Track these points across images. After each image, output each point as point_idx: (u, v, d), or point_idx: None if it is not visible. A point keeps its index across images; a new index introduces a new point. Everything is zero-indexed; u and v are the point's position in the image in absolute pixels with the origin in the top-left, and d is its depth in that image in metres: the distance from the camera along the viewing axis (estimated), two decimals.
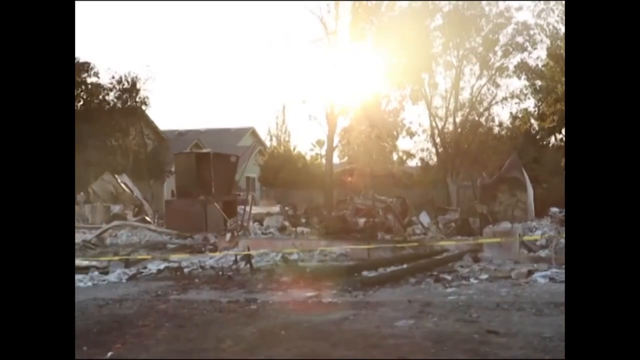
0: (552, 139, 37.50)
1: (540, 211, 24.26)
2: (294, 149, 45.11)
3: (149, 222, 24.12)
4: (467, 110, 37.75)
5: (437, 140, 38.15)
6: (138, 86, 37.35)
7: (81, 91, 36.24)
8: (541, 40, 36.40)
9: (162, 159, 39.34)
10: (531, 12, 37.16)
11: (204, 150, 30.14)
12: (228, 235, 18.15)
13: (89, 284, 11.76)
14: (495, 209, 22.69)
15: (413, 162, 41.13)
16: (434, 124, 37.95)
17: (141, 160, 38.00)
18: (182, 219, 21.67)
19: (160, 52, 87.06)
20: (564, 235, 12.05)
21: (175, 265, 13.66)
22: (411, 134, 39.00)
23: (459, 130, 37.42)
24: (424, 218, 21.92)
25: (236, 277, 12.05)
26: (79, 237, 19.98)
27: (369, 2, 35.10)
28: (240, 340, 6.80)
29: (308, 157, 43.02)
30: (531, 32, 36.29)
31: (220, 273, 12.62)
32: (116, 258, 14.60)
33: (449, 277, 11.14)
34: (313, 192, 34.57)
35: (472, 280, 10.92)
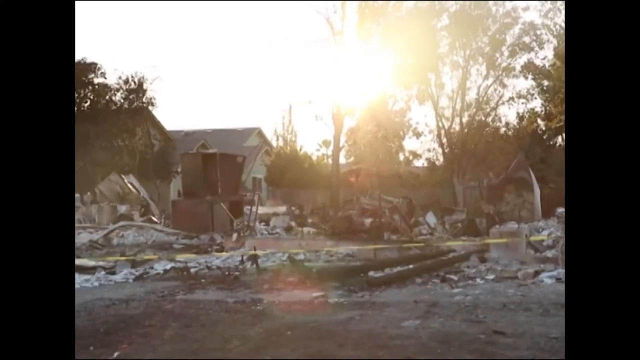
0: (559, 139, 37.38)
1: (547, 211, 24.20)
2: (301, 149, 45.16)
3: (155, 223, 24.14)
4: (474, 110, 37.70)
5: (444, 140, 38.11)
6: (145, 86, 37.44)
7: (88, 92, 36.35)
8: (548, 40, 36.38)
9: (168, 159, 39.41)
10: (538, 12, 37.23)
11: (211, 151, 30.16)
12: (234, 236, 18.15)
13: (96, 284, 11.78)
14: (502, 209, 22.67)
15: (419, 163, 41.14)
16: (440, 124, 37.93)
17: (148, 160, 38.07)
18: (189, 219, 21.69)
19: (167, 52, 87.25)
20: None
21: (182, 265, 13.67)
22: (418, 134, 39.00)
23: (466, 130, 37.37)
24: (431, 218, 21.91)
25: (242, 277, 12.05)
26: (85, 237, 20.04)
27: (375, 2, 35.07)
28: (246, 341, 6.81)
29: (314, 157, 43.04)
30: (538, 32, 36.23)
31: (227, 273, 12.63)
32: (123, 258, 14.62)
33: (455, 278, 11.12)
34: (319, 192, 34.56)
35: (478, 280, 10.90)
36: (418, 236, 18.53)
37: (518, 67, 37.19)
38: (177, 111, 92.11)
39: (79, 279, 11.81)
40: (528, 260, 12.67)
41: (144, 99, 37.61)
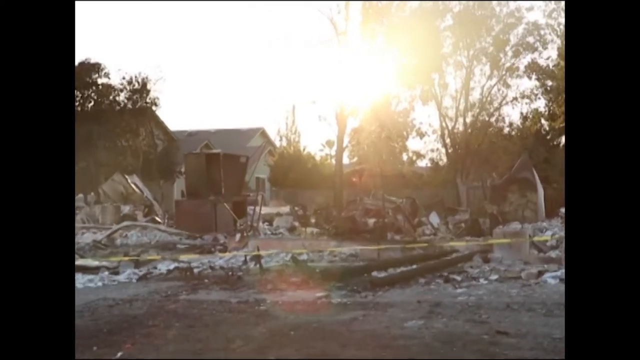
0: (563, 140, 37.32)
1: (550, 211, 24.22)
2: (304, 149, 45.20)
3: (159, 223, 24.18)
4: (478, 110, 37.69)
5: (447, 140, 38.12)
6: (148, 87, 37.52)
7: (92, 92, 36.44)
8: (552, 40, 36.33)
9: (172, 159, 39.47)
10: (542, 12, 37.18)
11: (214, 151, 30.18)
12: (238, 236, 18.16)
13: (99, 284, 11.79)
14: (506, 210, 22.69)
15: (423, 163, 41.19)
16: (444, 125, 37.93)
17: (151, 160, 38.14)
18: (192, 219, 21.71)
19: (170, 52, 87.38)
20: None
21: (185, 265, 13.67)
22: (421, 135, 39.01)
23: (469, 130, 37.36)
24: (434, 218, 21.90)
25: (246, 278, 12.05)
26: (89, 238, 20.09)
27: (379, 2, 35.07)
28: (249, 341, 6.81)
29: (318, 158, 43.11)
30: (542, 32, 36.19)
31: (230, 273, 12.63)
32: (126, 258, 14.63)
33: (458, 278, 11.10)
34: (323, 192, 34.58)
35: (481, 280, 10.88)
36: (421, 236, 18.52)
37: (522, 67, 37.21)
38: (180, 111, 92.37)
39: (83, 279, 11.82)
40: (531, 261, 12.64)
41: (147, 99, 37.68)
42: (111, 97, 37.06)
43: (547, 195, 25.14)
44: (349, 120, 35.80)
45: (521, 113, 39.05)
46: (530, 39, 36.34)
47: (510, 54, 36.75)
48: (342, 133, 34.89)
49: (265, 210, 23.94)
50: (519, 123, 39.06)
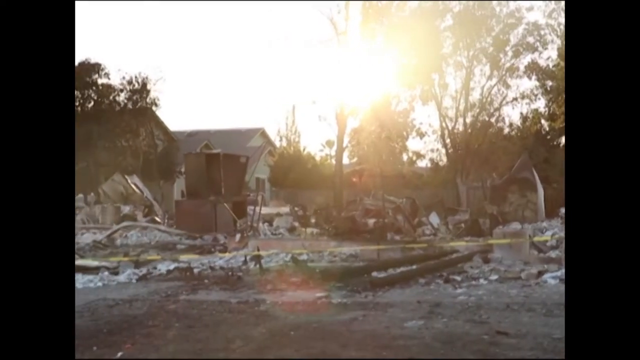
0: (563, 140, 37.33)
1: (550, 212, 24.23)
2: (304, 149, 45.21)
3: (158, 223, 24.19)
4: (477, 110, 37.69)
5: (447, 140, 38.12)
6: (148, 87, 37.54)
7: (92, 92, 36.46)
8: (552, 41, 36.33)
9: (172, 159, 39.48)
10: (542, 12, 37.13)
11: (214, 151, 30.18)
12: (238, 236, 18.15)
13: (99, 284, 11.78)
14: (506, 210, 22.70)
15: (423, 163, 41.19)
16: (444, 125, 37.93)
17: (151, 160, 38.15)
18: (192, 219, 21.71)
19: (170, 53, 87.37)
20: None
21: (185, 265, 13.67)
22: (421, 135, 39.01)
23: (469, 130, 37.36)
24: (434, 219, 21.91)
25: (246, 278, 12.05)
26: (89, 238, 20.09)
27: (379, 2, 35.08)
28: (249, 341, 6.81)
29: (318, 158, 43.11)
30: (542, 32, 36.19)
31: (230, 273, 12.62)
32: (126, 258, 14.62)
33: (458, 278, 11.10)
34: (323, 192, 34.59)
35: (481, 281, 10.88)
36: (421, 236, 18.52)
37: (522, 68, 37.21)
38: (180, 112, 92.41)
39: (83, 279, 11.82)
40: (531, 261, 12.64)
41: (147, 100, 37.70)
42: (111, 97, 37.09)
43: (547, 195, 25.16)
44: (349, 121, 35.85)
45: (521, 113, 39.13)
46: (530, 39, 36.34)
47: (510, 54, 36.76)
48: (342, 133, 34.90)
49: (265, 210, 23.92)
50: (519, 123, 39.11)
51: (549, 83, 37.10)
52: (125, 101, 37.46)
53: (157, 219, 25.52)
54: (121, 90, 37.41)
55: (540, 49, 36.51)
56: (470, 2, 35.91)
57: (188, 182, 24.98)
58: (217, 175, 23.31)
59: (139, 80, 37.33)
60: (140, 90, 37.39)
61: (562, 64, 34.41)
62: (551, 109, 37.83)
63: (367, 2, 34.49)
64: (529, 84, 38.12)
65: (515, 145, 35.57)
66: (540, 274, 11.14)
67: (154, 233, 21.05)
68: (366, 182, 32.25)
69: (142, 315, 8.49)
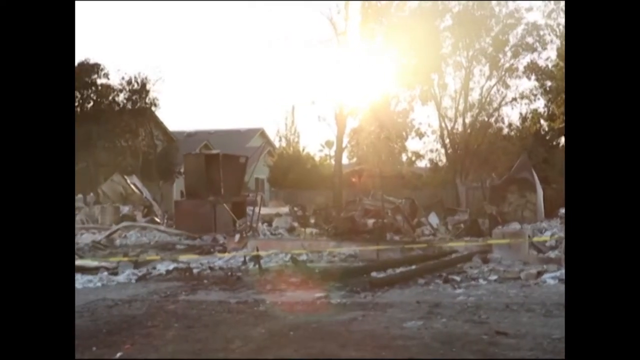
0: (562, 140, 37.34)
1: (549, 212, 24.22)
2: (303, 149, 45.19)
3: (158, 223, 24.18)
4: (477, 111, 37.66)
5: (447, 141, 38.08)
6: (148, 87, 37.50)
7: (91, 92, 36.44)
8: (551, 41, 36.28)
9: (171, 159, 39.45)
10: (541, 12, 37.04)
11: (213, 151, 30.17)
12: (237, 236, 18.16)
13: (99, 284, 11.78)
14: (505, 210, 22.68)
15: (422, 163, 41.13)
16: (443, 125, 37.89)
17: (151, 161, 38.13)
18: (191, 219, 21.71)
19: (169, 53, 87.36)
20: None
21: (184, 266, 13.68)
22: (420, 135, 38.95)
23: (469, 131, 37.33)
24: (433, 219, 21.90)
25: (245, 278, 12.05)
26: (88, 238, 20.08)
27: (378, 2, 35.06)
28: (249, 341, 6.81)
29: (317, 158, 43.10)
30: (541, 33, 36.14)
31: (229, 274, 12.63)
32: (125, 259, 14.62)
33: (458, 278, 11.11)
34: (322, 193, 34.58)
35: (481, 281, 10.89)
36: (421, 237, 18.53)
37: (521, 68, 37.13)
38: (180, 112, 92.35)
39: (82, 279, 11.82)
40: (531, 261, 12.65)
41: (147, 100, 37.67)
42: (110, 98, 37.05)
43: (546, 195, 25.15)
44: (348, 121, 35.80)
45: (520, 113, 39.07)
46: (530, 40, 36.29)
47: (509, 54, 36.71)
48: (341, 133, 34.88)
49: (264, 210, 23.92)
50: (518, 123, 39.07)
51: (548, 83, 37.06)
52: (125, 101, 37.43)
53: (156, 219, 25.51)
54: (120, 91, 37.38)
55: (539, 49, 36.49)
56: (470, 2, 35.88)
57: (187, 182, 24.98)
58: (217, 176, 23.30)
59: (139, 81, 37.31)
60: (139, 91, 37.36)
61: (561, 64, 34.40)
62: (550, 109, 37.80)
63: (366, 2, 34.48)
64: (528, 84, 38.10)
65: (514, 145, 35.55)
66: (539, 274, 11.15)
67: (153, 233, 21.05)
68: (365, 183, 32.23)
69: (141, 316, 8.49)
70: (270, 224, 22.22)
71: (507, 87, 37.74)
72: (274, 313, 8.50)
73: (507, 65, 37.02)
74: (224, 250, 16.54)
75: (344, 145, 36.19)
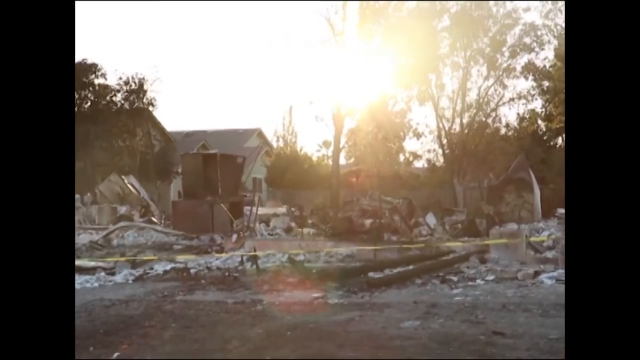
0: (560, 140, 37.38)
1: (547, 212, 24.25)
2: (301, 150, 45.16)
3: (155, 223, 24.14)
4: (474, 111, 37.69)
5: (444, 141, 38.10)
6: (145, 87, 37.47)
7: (88, 92, 36.41)
8: (549, 41, 36.33)
9: (169, 160, 39.43)
10: (539, 12, 37.07)
11: (211, 151, 30.15)
12: (234, 236, 18.14)
13: (96, 284, 11.78)
14: (502, 210, 22.72)
15: (420, 163, 41.14)
16: (440, 125, 37.90)
17: (148, 161, 38.11)
18: (189, 220, 21.69)
19: (167, 53, 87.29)
20: None
21: (182, 266, 13.67)
22: (418, 135, 38.98)
23: (466, 131, 37.35)
24: (431, 219, 21.90)
25: (242, 278, 12.05)
26: (85, 238, 20.05)
27: (376, 2, 35.06)
28: (246, 341, 6.81)
29: (315, 158, 43.04)
30: (539, 33, 36.19)
31: (227, 274, 12.63)
32: (123, 259, 14.62)
33: (455, 278, 11.12)
34: (320, 193, 34.53)
35: (478, 281, 10.90)
36: (418, 237, 18.52)
37: (519, 68, 37.20)
38: (177, 112, 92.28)
39: (79, 279, 11.81)
40: (528, 261, 12.66)
41: (144, 100, 37.64)
42: (108, 98, 37.03)
43: (543, 195, 25.19)
44: (346, 121, 35.74)
45: (518, 114, 39.09)
46: (527, 40, 36.33)
47: (507, 54, 36.75)
48: (339, 134, 34.84)
49: (262, 210, 23.87)
50: (515, 124, 39.11)
51: (546, 83, 37.10)
52: (122, 101, 37.41)
53: (153, 219, 25.47)
54: (118, 91, 37.36)
55: (537, 49, 36.53)
56: (468, 2, 35.91)
57: (185, 182, 24.96)
58: (214, 176, 23.29)
59: (136, 81, 37.28)
60: (137, 91, 37.34)
61: (559, 64, 34.43)
62: (548, 109, 37.84)
63: (364, 2, 34.46)
64: (525, 84, 38.14)
65: (512, 145, 35.57)
66: (536, 274, 11.16)
67: (150, 233, 21.02)
68: (363, 183, 32.23)
69: (138, 316, 8.49)
70: (267, 224, 22.19)
71: (504, 87, 37.81)
72: (271, 313, 8.50)
73: (505, 65, 37.08)
74: (222, 251, 16.54)
75: (341, 145, 36.14)
